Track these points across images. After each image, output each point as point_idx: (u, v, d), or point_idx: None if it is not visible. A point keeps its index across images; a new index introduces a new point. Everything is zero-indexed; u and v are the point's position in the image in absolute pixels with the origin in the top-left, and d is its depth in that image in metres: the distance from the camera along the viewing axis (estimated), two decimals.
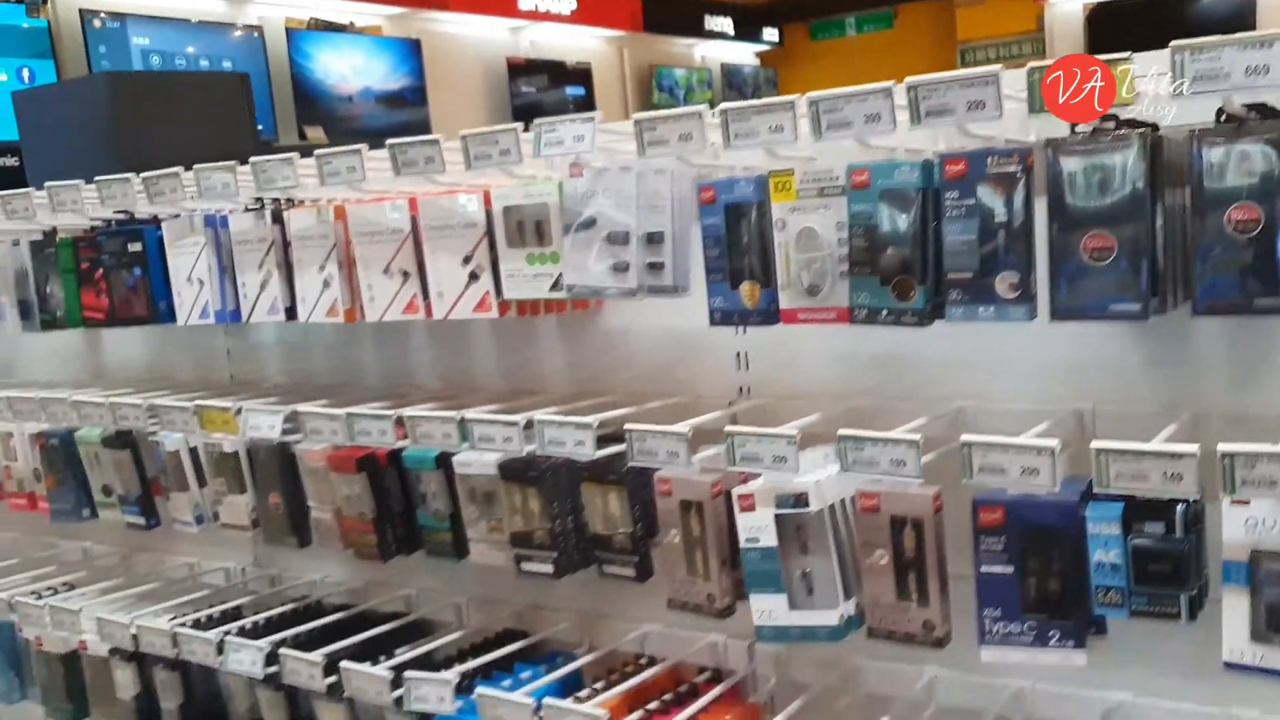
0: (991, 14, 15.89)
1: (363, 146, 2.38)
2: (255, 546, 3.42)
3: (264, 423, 2.64)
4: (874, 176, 1.92)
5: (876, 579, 2.02)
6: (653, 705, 2.40)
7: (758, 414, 2.38)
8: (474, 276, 2.40)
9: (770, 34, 17.77)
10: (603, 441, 2.25)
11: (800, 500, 2.03)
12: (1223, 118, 1.69)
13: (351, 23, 11.71)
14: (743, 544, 2.10)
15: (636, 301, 2.28)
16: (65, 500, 3.31)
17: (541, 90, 13.83)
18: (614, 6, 14.82)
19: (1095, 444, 1.70)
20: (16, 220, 3.05)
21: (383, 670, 2.53)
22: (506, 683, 2.54)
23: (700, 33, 16.39)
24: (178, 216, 2.88)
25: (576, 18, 14.21)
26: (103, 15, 9.24)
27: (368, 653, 2.69)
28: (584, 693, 2.43)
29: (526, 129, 2.19)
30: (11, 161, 7.92)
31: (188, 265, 2.78)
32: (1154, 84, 1.72)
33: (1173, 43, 1.57)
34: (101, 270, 3.01)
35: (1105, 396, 2.08)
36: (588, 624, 2.78)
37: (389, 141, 2.32)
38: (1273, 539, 1.70)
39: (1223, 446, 1.62)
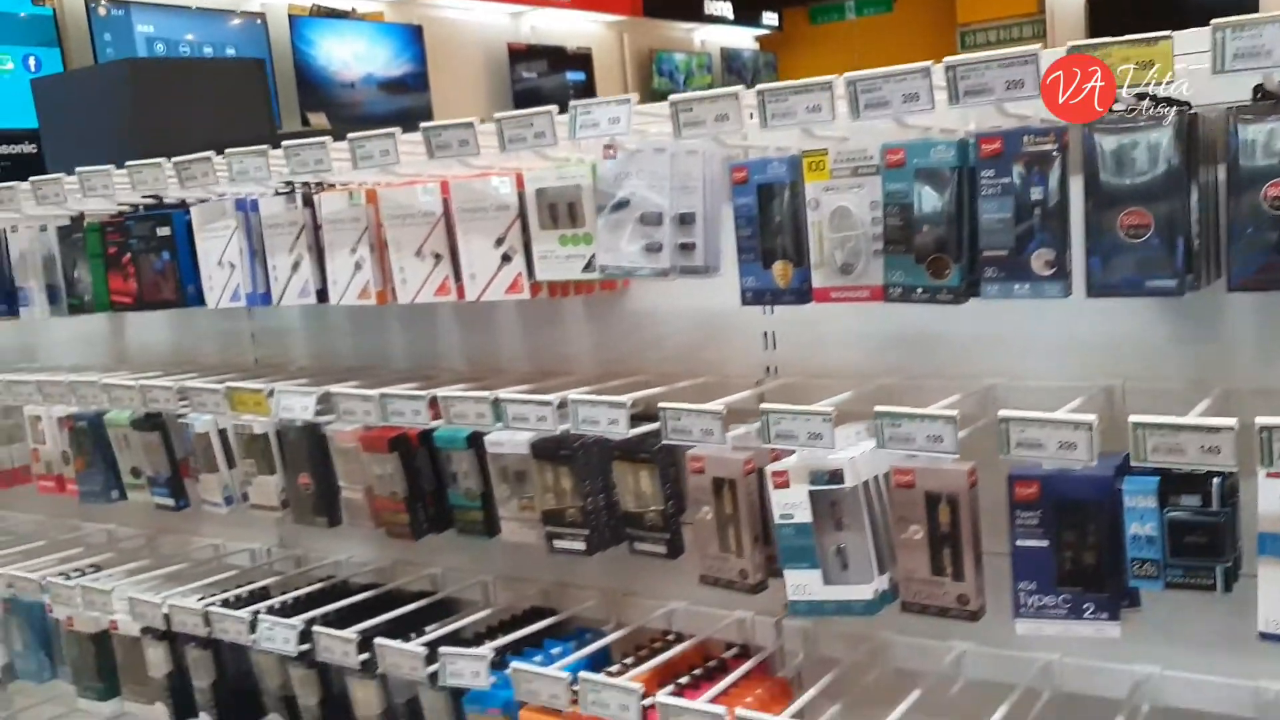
0: None
1: (396, 130, 2.40)
2: (280, 527, 3.46)
3: (297, 404, 2.67)
4: (909, 155, 1.95)
5: (911, 554, 2.05)
6: (683, 680, 2.43)
7: (786, 393, 2.40)
8: (506, 258, 2.43)
9: (770, 18, 17.75)
10: (634, 420, 2.28)
11: (835, 477, 2.06)
12: (1259, 95, 1.72)
13: (354, 9, 11.70)
14: (777, 520, 2.13)
15: (663, 282, 2.31)
16: (94, 482, 3.34)
17: (542, 75, 13.82)
18: None
19: (1133, 418, 1.73)
20: (47, 205, 3.07)
21: (417, 646, 2.56)
22: (538, 658, 2.57)
23: (700, 17, 16.37)
24: (204, 201, 2.91)
25: (577, 3, 14.20)
26: (106, 3, 9.24)
27: (396, 631, 2.72)
28: (614, 668, 2.46)
29: (563, 111, 2.21)
30: (29, 149, 7.95)
31: (218, 249, 2.81)
32: (1187, 62, 1.74)
33: (1213, 21, 1.60)
34: (129, 255, 3.03)
35: (1134, 373, 2.10)
36: (614, 601, 2.81)
37: (423, 125, 2.34)
38: None
39: (1261, 420, 1.65)
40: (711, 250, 2.23)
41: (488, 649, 2.50)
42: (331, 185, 2.75)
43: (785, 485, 2.11)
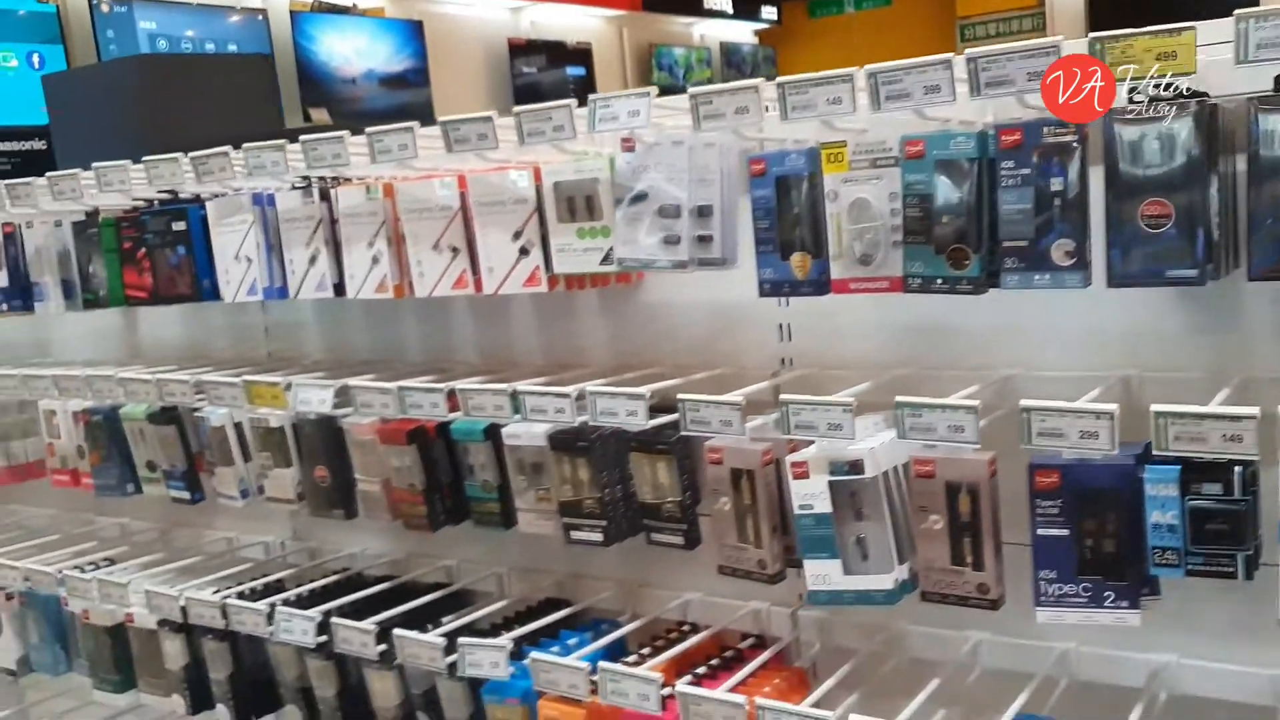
0: None
1: (414, 124, 2.41)
2: (294, 520, 3.47)
3: (314, 397, 2.68)
4: (929, 147, 1.96)
5: (931, 543, 2.07)
6: (700, 670, 2.44)
7: (802, 384, 2.42)
8: (524, 251, 2.44)
9: (769, 12, 17.73)
10: (651, 412, 2.29)
11: (855, 467, 2.08)
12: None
13: (354, 4, 11.71)
14: (796, 511, 2.15)
15: (678, 275, 2.32)
16: (109, 476, 3.35)
17: (542, 70, 13.81)
18: None
19: (1155, 407, 1.75)
20: (64, 201, 3.08)
21: (436, 637, 2.58)
22: (555, 649, 2.58)
23: (699, 11, 16.35)
24: (217, 196, 2.92)
25: None
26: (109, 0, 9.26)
27: (413, 622, 2.73)
28: (630, 659, 2.48)
29: (581, 104, 2.22)
30: (39, 145, 7.96)
31: (234, 243, 2.82)
32: (1207, 53, 1.76)
33: (1236, 11, 1.61)
34: (144, 249, 3.04)
35: (1150, 363, 2.12)
36: (629, 592, 2.83)
37: (441, 119, 2.35)
38: None
39: None
40: (728, 242, 2.25)
41: (507, 639, 2.51)
42: (347, 180, 2.76)
43: (804, 476, 2.12)
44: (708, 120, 2.07)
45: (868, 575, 2.11)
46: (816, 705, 2.18)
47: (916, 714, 2.10)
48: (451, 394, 2.50)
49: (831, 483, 2.10)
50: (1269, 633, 1.92)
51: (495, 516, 2.70)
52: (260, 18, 10.49)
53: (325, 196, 2.69)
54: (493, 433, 2.64)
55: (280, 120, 5.06)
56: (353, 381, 2.65)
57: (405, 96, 11.85)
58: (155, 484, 3.30)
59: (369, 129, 2.44)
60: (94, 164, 2.94)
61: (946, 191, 1.95)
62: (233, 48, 10.07)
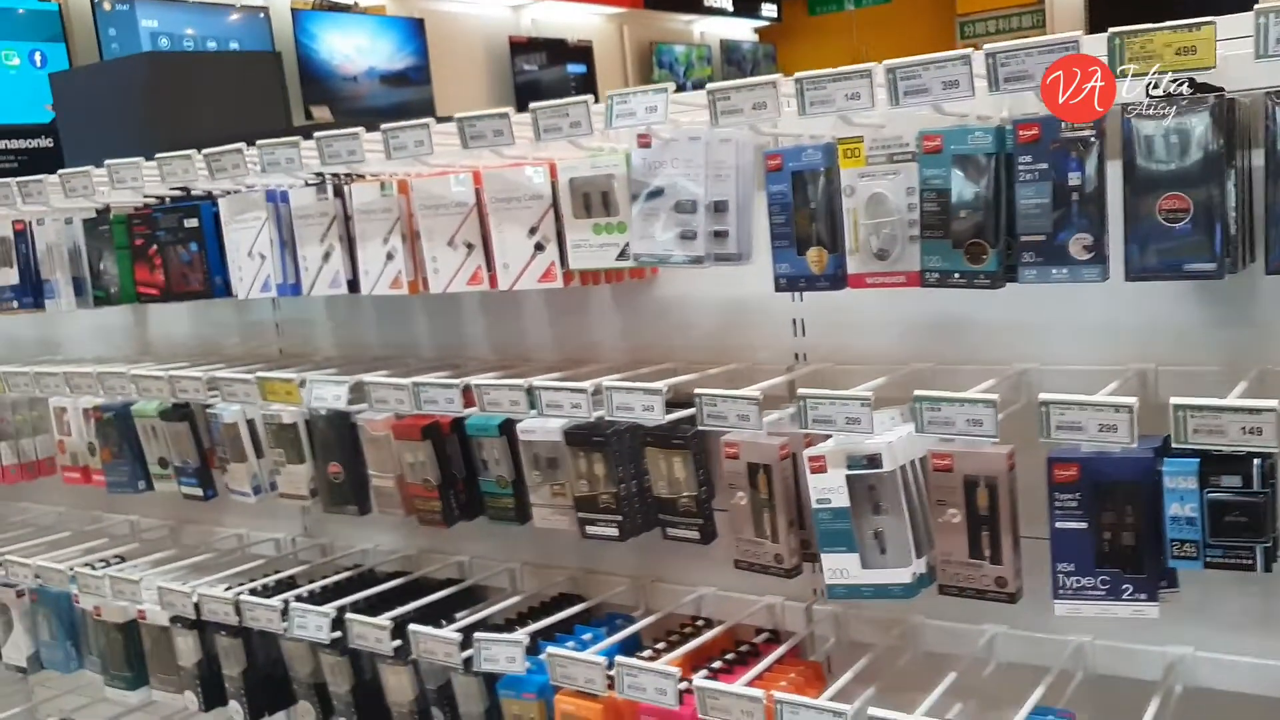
0: None
1: (430, 120, 2.41)
2: (304, 516, 3.48)
3: (329, 393, 2.69)
4: (947, 142, 1.97)
5: (949, 537, 2.07)
6: (715, 664, 2.45)
7: (816, 379, 2.42)
8: (539, 247, 2.45)
9: (769, 10, 17.75)
10: (667, 407, 2.29)
11: (873, 461, 2.08)
12: None
13: (356, 3, 11.72)
14: (814, 505, 2.15)
15: (692, 270, 2.33)
16: (121, 473, 3.36)
17: (543, 68, 13.83)
18: None
19: (1174, 400, 1.76)
20: (76, 198, 3.08)
21: (452, 632, 2.58)
22: (569, 644, 2.59)
23: (699, 9, 16.37)
24: (228, 193, 2.92)
25: None
26: None
27: (426, 618, 2.74)
28: (645, 654, 2.48)
29: (597, 101, 2.23)
30: (45, 143, 7.96)
31: (248, 240, 2.83)
32: (1225, 48, 1.76)
33: (1257, 5, 1.62)
34: (156, 246, 3.04)
35: (1166, 357, 2.12)
36: (642, 587, 2.83)
37: (457, 115, 2.35)
38: None
39: None
40: (744, 238, 2.25)
41: (523, 634, 2.52)
42: (360, 176, 2.76)
43: (822, 470, 2.13)
44: (725, 116, 2.08)
45: (886, 569, 2.11)
46: (834, 699, 2.19)
47: (933, 707, 2.11)
48: (467, 389, 2.50)
49: (849, 477, 2.10)
50: None
51: (510, 512, 2.71)
52: (262, 15, 10.50)
53: (339, 193, 2.69)
54: (507, 428, 2.65)
55: (288, 117, 5.06)
56: (367, 377, 2.65)
57: (406, 94, 11.87)
58: (167, 480, 3.30)
59: (384, 125, 2.45)
60: (107, 161, 2.94)
61: (964, 186, 1.96)
62: (234, 45, 10.08)
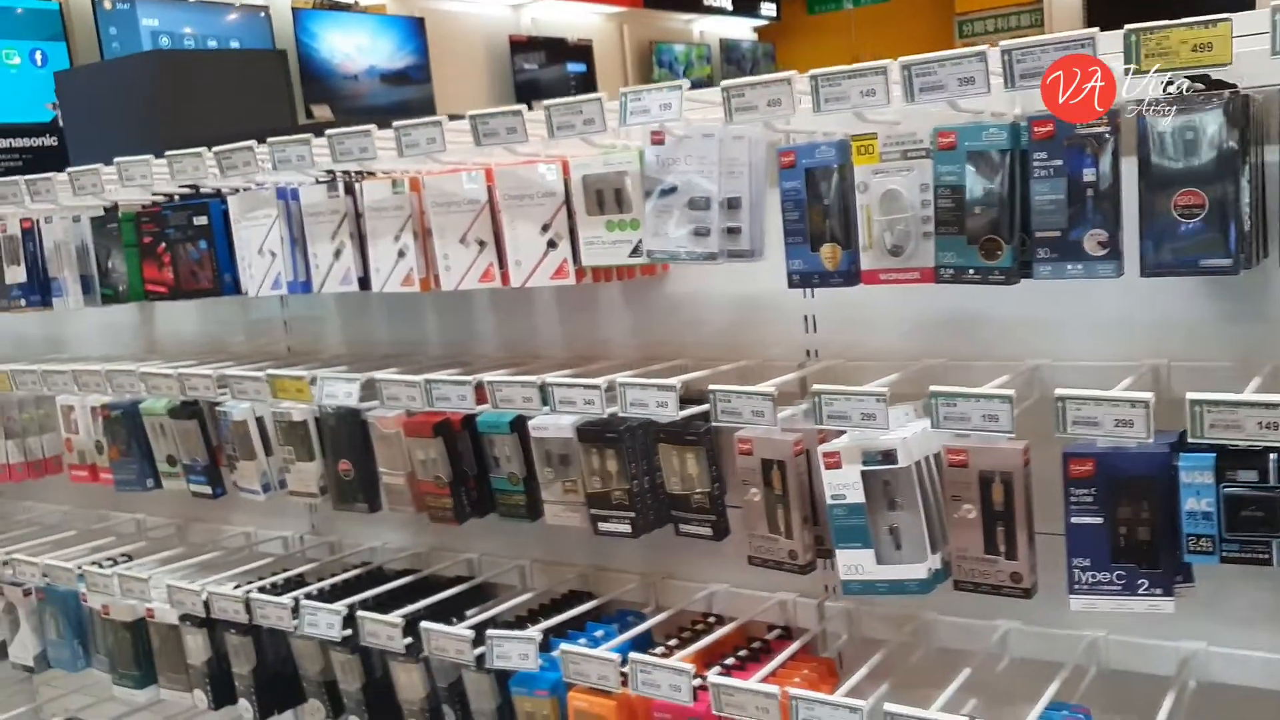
0: None
1: (442, 118, 2.42)
2: (312, 514, 3.48)
3: (340, 390, 2.69)
4: (961, 138, 1.97)
5: (964, 532, 2.08)
6: (729, 661, 2.45)
7: (828, 376, 2.42)
8: (552, 244, 2.45)
9: (768, 9, 17.75)
10: (679, 403, 2.30)
11: (888, 457, 2.09)
12: None
13: (356, 2, 11.72)
14: (829, 501, 2.16)
15: (703, 267, 2.33)
16: (129, 471, 3.35)
17: (543, 67, 13.83)
18: None
19: (1190, 395, 1.76)
20: (84, 196, 3.08)
21: (464, 629, 2.58)
22: (582, 641, 2.59)
23: (699, 8, 16.37)
24: (237, 191, 2.92)
25: None
26: None
27: (436, 615, 2.74)
28: (658, 650, 2.48)
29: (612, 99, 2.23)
30: (50, 142, 7.96)
31: (258, 237, 2.82)
32: (1238, 45, 1.77)
33: (1273, 2, 1.62)
34: (164, 244, 3.04)
35: (1178, 353, 2.13)
36: (652, 584, 2.84)
37: (470, 113, 2.36)
38: None
39: None
40: (756, 234, 2.26)
41: (536, 631, 2.52)
42: (370, 174, 2.76)
43: (837, 466, 2.13)
44: (740, 113, 2.08)
45: (901, 565, 2.12)
46: (847, 696, 2.19)
47: (948, 703, 2.11)
48: (478, 386, 2.50)
49: (864, 472, 2.11)
50: None
51: (521, 509, 2.71)
52: (262, 14, 10.51)
53: (350, 190, 2.69)
54: (518, 425, 2.65)
55: (294, 116, 5.06)
56: (379, 375, 2.65)
57: (407, 93, 11.87)
58: (175, 479, 3.30)
59: (397, 123, 2.45)
60: (117, 159, 2.94)
61: (979, 182, 1.96)
62: (235, 44, 10.09)
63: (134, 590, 3.18)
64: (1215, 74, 1.80)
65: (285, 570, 3.26)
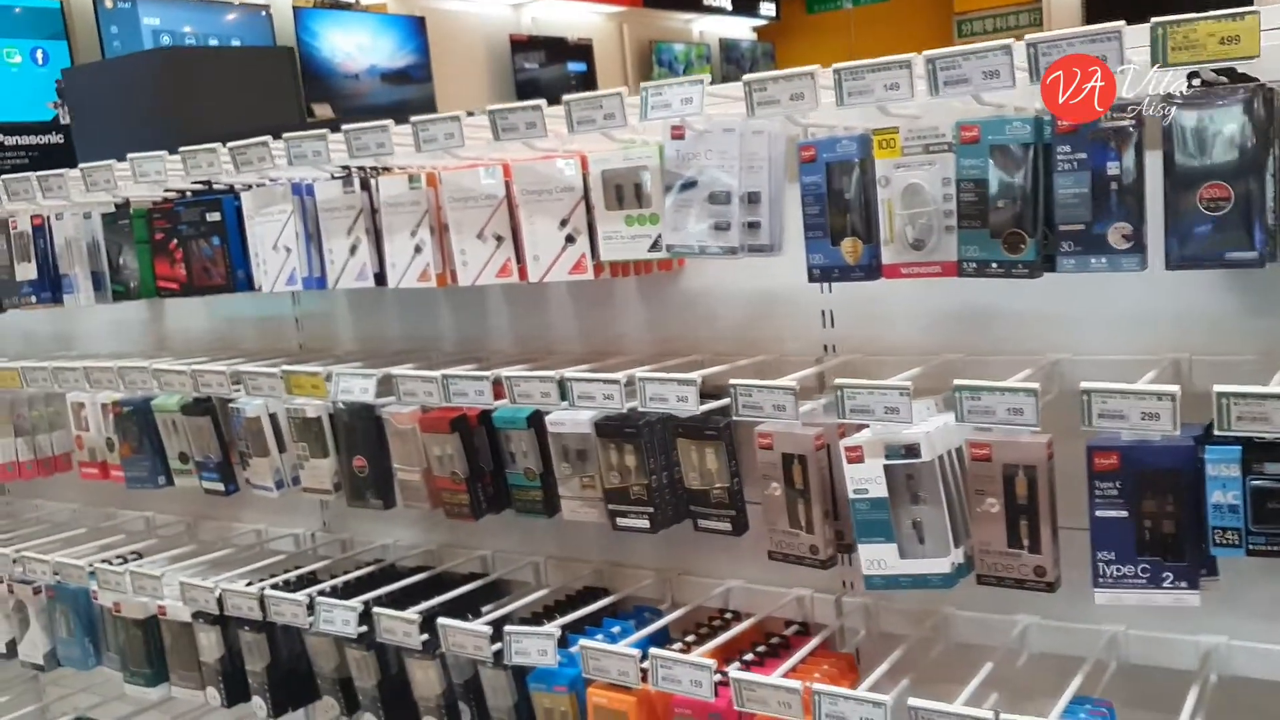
0: None
1: (460, 113, 2.41)
2: (324, 511, 3.48)
3: (356, 386, 2.68)
4: (984, 132, 1.96)
5: (987, 526, 2.07)
6: (748, 657, 2.45)
7: (847, 370, 2.43)
8: (570, 239, 2.44)
9: (767, 8, 17.76)
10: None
11: (911, 451, 2.08)
12: None
13: (357, 1, 11.71)
14: (851, 495, 2.15)
15: (720, 261, 2.33)
16: (141, 468, 3.35)
17: (543, 66, 13.84)
18: None
19: (1217, 388, 1.76)
20: (96, 192, 3.07)
21: (482, 625, 2.58)
22: (599, 637, 2.58)
23: (698, 7, 16.38)
24: (250, 188, 2.92)
25: None
26: None
27: (451, 612, 2.73)
28: (675, 646, 2.48)
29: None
30: (55, 139, 7.95)
31: (273, 233, 2.82)
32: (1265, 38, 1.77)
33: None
34: (176, 240, 3.03)
35: (1200, 346, 2.13)
36: (668, 581, 2.83)
37: (489, 108, 2.35)
38: None
39: None
40: (776, 229, 2.25)
41: (555, 627, 2.52)
42: (386, 169, 2.76)
43: (859, 460, 2.13)
44: (762, 107, 2.08)
45: (924, 559, 2.12)
46: (869, 690, 2.19)
47: (970, 698, 2.10)
48: (495, 382, 2.50)
49: (887, 467, 2.11)
50: None
51: (538, 505, 2.71)
52: (264, 13, 10.50)
53: (365, 186, 2.69)
54: (535, 420, 2.65)
55: (301, 113, 5.05)
56: (395, 370, 2.65)
57: (408, 92, 11.87)
58: (187, 476, 3.29)
59: (414, 118, 2.44)
60: (130, 155, 2.93)
61: (1002, 176, 1.96)
62: (236, 43, 10.08)
63: (146, 588, 3.18)
64: (1239, 68, 1.80)
65: (297, 568, 3.25)
